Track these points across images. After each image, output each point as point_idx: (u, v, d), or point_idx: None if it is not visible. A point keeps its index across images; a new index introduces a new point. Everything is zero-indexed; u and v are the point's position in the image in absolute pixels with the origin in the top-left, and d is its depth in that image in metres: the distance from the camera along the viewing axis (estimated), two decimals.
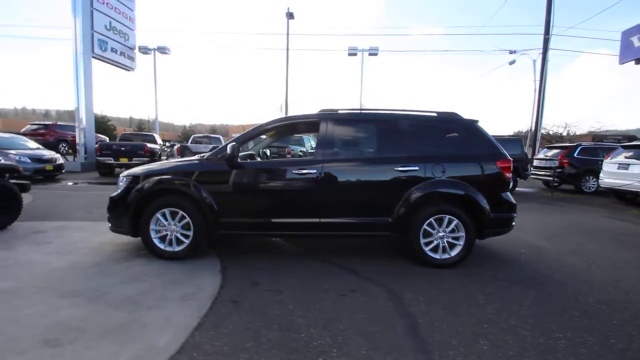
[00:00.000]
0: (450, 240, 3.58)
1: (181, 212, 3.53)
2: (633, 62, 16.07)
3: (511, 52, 23.13)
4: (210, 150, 3.71)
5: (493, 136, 3.85)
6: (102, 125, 27.14)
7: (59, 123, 18.85)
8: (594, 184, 11.25)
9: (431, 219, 3.54)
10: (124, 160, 11.96)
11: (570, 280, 3.35)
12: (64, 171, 11.29)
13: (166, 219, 3.55)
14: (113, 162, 12.07)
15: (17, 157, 9.34)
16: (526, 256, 4.12)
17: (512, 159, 3.74)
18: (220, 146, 3.76)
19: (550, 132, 31.26)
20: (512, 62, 23.10)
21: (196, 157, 4.07)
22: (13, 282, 2.91)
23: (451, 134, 3.83)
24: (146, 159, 11.92)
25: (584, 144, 12.64)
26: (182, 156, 13.57)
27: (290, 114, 22.56)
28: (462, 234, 3.56)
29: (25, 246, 3.90)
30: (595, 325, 2.49)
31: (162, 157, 14.13)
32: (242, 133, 3.79)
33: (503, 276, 3.41)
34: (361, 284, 3.10)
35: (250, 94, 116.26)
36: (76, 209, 6.19)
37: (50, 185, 9.58)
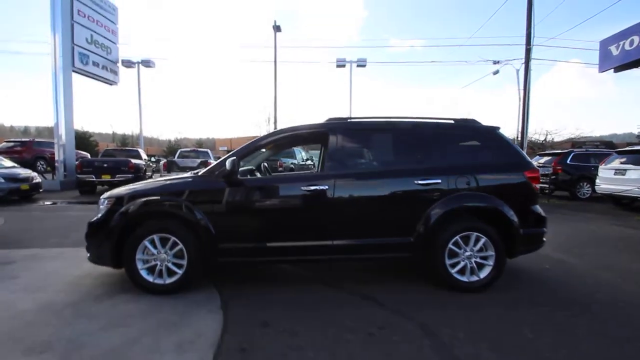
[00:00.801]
0: (478, 260, 3.21)
1: (173, 238, 3.05)
2: (612, 70, 16.48)
3: (495, 63, 23.54)
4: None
5: None
6: (83, 141, 26.21)
7: (36, 140, 17.92)
8: (588, 190, 11.23)
9: (457, 237, 3.17)
10: (106, 177, 11.26)
11: (617, 302, 3.01)
12: (41, 190, 10.54)
13: (155, 247, 3.06)
14: (95, 179, 11.34)
15: None
16: (553, 272, 3.78)
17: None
18: (217, 161, 3.33)
19: (533, 139, 31.81)
20: (495, 72, 23.45)
21: (188, 174, 3.62)
22: None
23: (472, 142, 3.50)
24: (130, 175, 11.25)
25: (576, 150, 12.70)
26: (169, 172, 12.93)
27: (279, 126, 22.23)
28: (491, 252, 3.19)
29: None
30: None
31: (147, 173, 13.46)
32: (241, 146, 3.36)
33: (541, 300, 3.04)
34: (388, 318, 2.67)
35: (236, 107, 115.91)
36: (52, 233, 5.57)
37: (26, 206, 8.84)
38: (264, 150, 3.94)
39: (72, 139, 14.22)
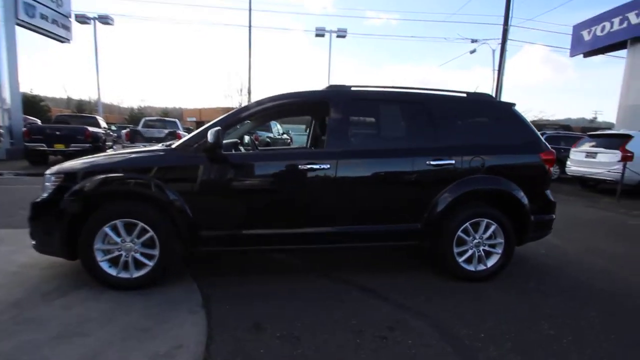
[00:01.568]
0: (486, 248, 2.97)
1: (141, 224, 2.53)
2: (582, 55, 16.87)
3: (473, 41, 23.59)
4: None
5: None
6: (33, 105, 23.70)
7: None
8: (556, 172, 11.62)
9: (467, 224, 2.89)
10: (59, 147, 10.07)
11: (616, 290, 2.92)
12: None
13: (119, 235, 2.53)
14: (46, 148, 10.11)
15: None
16: (551, 259, 3.67)
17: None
18: (194, 132, 2.78)
19: None
20: (472, 51, 23.53)
21: (158, 146, 3.05)
22: None
23: (485, 119, 3.18)
24: (87, 145, 10.14)
25: (548, 132, 13.02)
26: (132, 142, 11.84)
27: (254, 97, 21.12)
28: (500, 240, 2.95)
29: None
30: None
31: (107, 143, 12.28)
32: (225, 115, 2.82)
33: (547, 289, 2.88)
34: (398, 316, 2.36)
35: (205, 75, 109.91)
36: None
37: None
38: (248, 121, 3.40)
39: (18, 102, 12.66)
